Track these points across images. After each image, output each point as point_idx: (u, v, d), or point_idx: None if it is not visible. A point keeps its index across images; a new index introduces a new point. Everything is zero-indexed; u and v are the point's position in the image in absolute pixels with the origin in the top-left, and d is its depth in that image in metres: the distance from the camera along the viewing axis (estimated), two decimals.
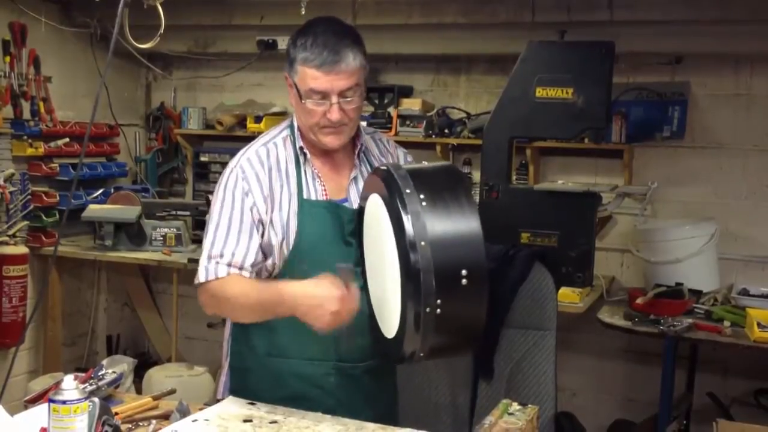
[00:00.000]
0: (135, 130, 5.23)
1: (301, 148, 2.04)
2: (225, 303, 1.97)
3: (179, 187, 5.25)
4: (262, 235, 1.99)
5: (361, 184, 2.07)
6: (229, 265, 1.95)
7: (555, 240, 3.46)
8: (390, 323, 1.80)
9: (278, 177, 2.02)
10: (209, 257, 1.96)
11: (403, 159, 2.22)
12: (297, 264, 1.99)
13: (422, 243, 1.64)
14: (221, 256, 1.95)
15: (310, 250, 1.99)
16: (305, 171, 2.03)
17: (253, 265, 1.97)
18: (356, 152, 2.10)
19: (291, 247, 2.00)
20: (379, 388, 2.14)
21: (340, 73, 1.91)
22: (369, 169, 2.10)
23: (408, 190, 1.69)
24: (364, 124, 2.27)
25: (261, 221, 1.99)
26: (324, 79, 1.91)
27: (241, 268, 1.96)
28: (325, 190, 2.03)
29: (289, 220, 1.99)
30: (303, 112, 1.99)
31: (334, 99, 1.93)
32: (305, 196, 2.01)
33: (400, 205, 1.69)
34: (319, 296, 1.81)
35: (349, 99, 1.94)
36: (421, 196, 1.69)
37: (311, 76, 1.92)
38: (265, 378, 2.06)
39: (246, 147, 2.07)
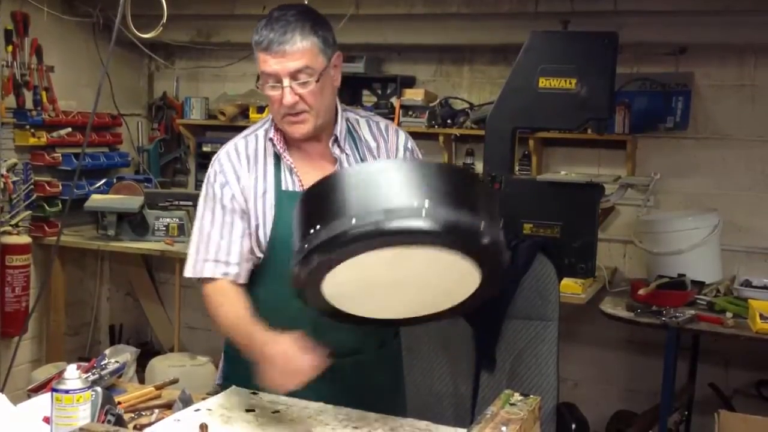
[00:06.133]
0: (137, 120, 5.23)
1: (271, 140, 2.02)
2: (213, 315, 1.99)
3: (182, 177, 5.24)
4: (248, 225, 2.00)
5: None
6: (216, 261, 1.97)
7: (558, 231, 3.46)
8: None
9: (255, 169, 2.01)
10: (196, 250, 2.00)
11: (403, 146, 2.13)
12: (275, 255, 1.98)
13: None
14: (207, 251, 1.98)
15: (287, 241, 1.93)
16: (282, 163, 2.02)
17: (240, 256, 1.98)
18: (330, 142, 2.03)
19: (268, 239, 1.99)
20: (370, 385, 2.07)
21: (287, 54, 1.87)
22: (357, 154, 2.05)
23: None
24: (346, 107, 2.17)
25: (243, 210, 2.00)
26: (272, 61, 1.89)
27: (227, 264, 1.97)
28: (300, 182, 2.00)
29: (266, 211, 1.99)
30: (268, 100, 1.98)
31: (286, 82, 1.89)
32: (283, 188, 2.00)
33: None
34: (284, 355, 1.74)
35: (302, 81, 1.90)
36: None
37: (262, 59, 1.92)
38: (252, 366, 2.06)
39: (230, 140, 2.09)
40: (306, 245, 1.58)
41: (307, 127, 1.96)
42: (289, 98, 1.90)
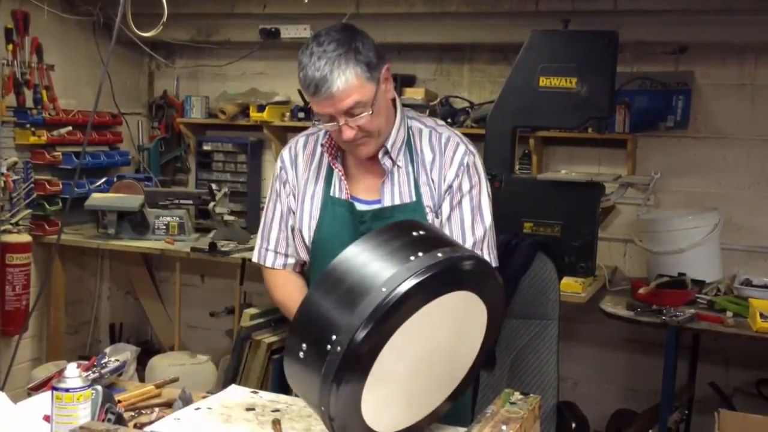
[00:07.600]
0: (138, 119, 5.23)
1: (322, 145, 2.03)
2: (270, 297, 2.17)
3: (182, 176, 5.24)
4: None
5: (396, 183, 1.99)
6: (276, 252, 2.12)
7: (558, 230, 3.47)
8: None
9: (309, 169, 2.07)
10: (261, 238, 2.15)
11: (459, 161, 1.99)
12: (315, 260, 2.05)
13: None
14: (267, 240, 2.13)
15: (325, 245, 2.00)
16: (334, 168, 2.03)
17: (295, 248, 2.10)
18: (381, 153, 1.99)
19: (311, 242, 2.05)
20: None
21: (334, 96, 1.82)
22: (410, 167, 2.00)
23: None
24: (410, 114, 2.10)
25: (291, 209, 2.09)
26: (320, 105, 1.86)
27: (285, 256, 2.12)
28: (347, 191, 2.01)
29: (311, 213, 2.04)
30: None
31: (342, 120, 1.87)
32: (331, 193, 2.02)
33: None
34: None
35: (357, 116, 1.86)
36: None
37: (311, 101, 1.90)
38: None
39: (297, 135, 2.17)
40: (328, 364, 1.40)
41: (370, 148, 1.96)
42: (348, 134, 1.89)
